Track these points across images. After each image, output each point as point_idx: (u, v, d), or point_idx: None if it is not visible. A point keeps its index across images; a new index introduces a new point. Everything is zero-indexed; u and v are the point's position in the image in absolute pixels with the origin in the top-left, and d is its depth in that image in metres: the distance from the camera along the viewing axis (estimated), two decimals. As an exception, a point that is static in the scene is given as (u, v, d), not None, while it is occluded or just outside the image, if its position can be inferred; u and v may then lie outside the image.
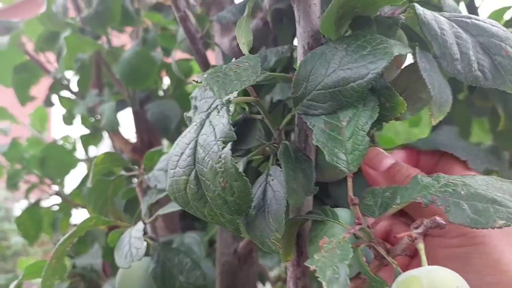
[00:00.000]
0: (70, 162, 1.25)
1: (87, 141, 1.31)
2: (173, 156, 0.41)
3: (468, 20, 0.40)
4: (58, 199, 1.32)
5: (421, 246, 0.34)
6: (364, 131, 0.38)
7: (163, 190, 0.64)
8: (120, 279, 0.60)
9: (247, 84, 0.38)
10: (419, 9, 0.40)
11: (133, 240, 0.55)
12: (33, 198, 1.28)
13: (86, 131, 1.34)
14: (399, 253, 0.36)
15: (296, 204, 0.39)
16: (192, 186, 0.39)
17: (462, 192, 0.35)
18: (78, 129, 1.46)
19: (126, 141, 1.22)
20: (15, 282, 0.62)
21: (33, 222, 1.24)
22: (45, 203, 1.28)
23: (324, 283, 0.30)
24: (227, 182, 0.36)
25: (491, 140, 0.80)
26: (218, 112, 0.39)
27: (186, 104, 1.23)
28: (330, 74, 0.39)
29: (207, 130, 0.39)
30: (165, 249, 0.60)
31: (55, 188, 1.28)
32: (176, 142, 0.42)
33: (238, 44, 0.73)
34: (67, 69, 0.99)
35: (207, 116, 0.40)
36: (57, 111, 1.49)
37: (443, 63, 0.38)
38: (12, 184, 1.28)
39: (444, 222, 0.33)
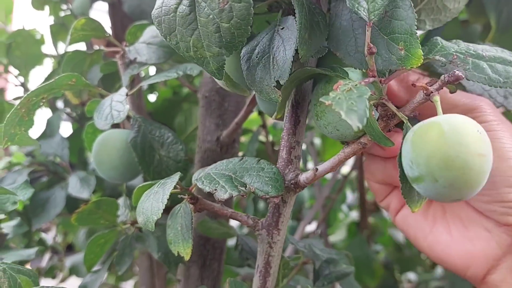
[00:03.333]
0: (37, 54, 1.17)
1: (56, 32, 1.22)
2: None
3: None
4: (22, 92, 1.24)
5: (436, 98, 0.33)
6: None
7: (144, 63, 0.60)
8: (97, 150, 0.57)
9: None
10: None
11: (115, 103, 0.52)
12: (-4, 86, 1.20)
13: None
14: (412, 110, 0.35)
15: (305, 56, 0.36)
16: (184, 7, 0.35)
17: (484, 54, 0.33)
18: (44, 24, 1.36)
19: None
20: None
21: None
22: (9, 95, 1.21)
23: (342, 114, 0.28)
24: (227, 1, 0.33)
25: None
26: None
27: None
28: None
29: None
30: (146, 122, 0.56)
31: (20, 80, 1.20)
32: None
33: None
34: None
35: None
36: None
37: None
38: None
39: (461, 75, 0.31)
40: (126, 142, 0.55)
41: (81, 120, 1.22)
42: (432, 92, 0.33)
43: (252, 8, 0.33)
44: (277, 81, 0.36)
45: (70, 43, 0.62)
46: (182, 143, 0.56)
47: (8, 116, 0.51)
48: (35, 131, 1.32)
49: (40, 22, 1.39)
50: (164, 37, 0.36)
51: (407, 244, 1.28)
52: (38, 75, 1.33)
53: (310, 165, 1.36)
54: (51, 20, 1.29)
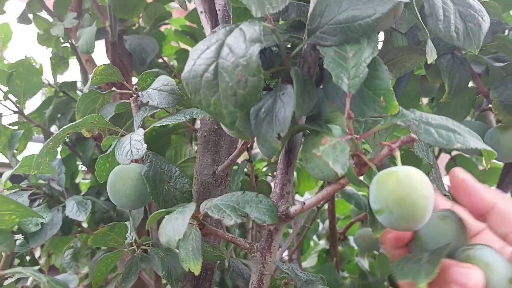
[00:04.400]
0: (37, 84, 1.24)
1: (56, 64, 1.30)
2: (197, 50, 0.47)
3: (453, -9, 0.50)
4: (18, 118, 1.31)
5: (397, 153, 0.44)
6: (366, 63, 0.46)
7: (155, 107, 0.70)
8: (113, 179, 0.66)
9: (277, 9, 0.45)
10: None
11: (134, 142, 0.61)
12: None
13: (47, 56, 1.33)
14: (379, 160, 0.46)
15: (299, 115, 0.47)
16: (209, 74, 0.45)
17: (432, 122, 0.45)
18: (40, 53, 1.44)
19: (99, 71, 1.24)
20: (9, 172, 0.65)
21: (-10, 136, 1.23)
22: (4, 121, 1.27)
23: (330, 162, 0.39)
24: (244, 75, 0.44)
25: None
26: (250, 22, 0.46)
27: (159, 44, 1.27)
28: (341, 12, 0.47)
29: (236, 34, 0.45)
30: (156, 157, 0.66)
31: (18, 107, 1.26)
32: (200, 42, 0.48)
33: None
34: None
35: (237, 26, 0.47)
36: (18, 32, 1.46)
37: (429, 21, 0.48)
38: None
39: (416, 137, 0.43)
40: (139, 174, 0.65)
41: (73, 146, 1.30)
42: (394, 149, 0.44)
43: (262, 81, 0.43)
44: (278, 134, 0.47)
45: (91, 86, 0.71)
46: (187, 177, 0.66)
47: (40, 150, 0.60)
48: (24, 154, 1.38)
49: (36, 50, 1.47)
50: (190, 94, 0.47)
51: (372, 271, 1.39)
52: (33, 102, 1.40)
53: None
54: (48, 51, 1.38)
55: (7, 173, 0.66)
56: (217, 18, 0.76)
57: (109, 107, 0.75)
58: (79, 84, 1.38)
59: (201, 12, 0.86)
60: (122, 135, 0.69)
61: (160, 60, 1.36)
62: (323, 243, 1.61)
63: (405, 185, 0.41)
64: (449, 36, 0.49)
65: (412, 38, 0.69)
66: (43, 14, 1.26)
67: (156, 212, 0.57)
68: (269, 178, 1.42)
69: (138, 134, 0.62)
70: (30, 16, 1.26)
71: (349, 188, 1.29)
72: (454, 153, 1.23)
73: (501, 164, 1.33)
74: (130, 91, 0.75)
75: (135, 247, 0.68)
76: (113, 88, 0.77)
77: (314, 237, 1.65)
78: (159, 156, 0.66)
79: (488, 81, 0.86)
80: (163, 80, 0.70)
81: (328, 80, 0.52)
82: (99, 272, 0.69)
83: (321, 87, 0.53)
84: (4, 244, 0.58)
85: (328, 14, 0.48)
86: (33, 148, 1.50)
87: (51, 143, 0.62)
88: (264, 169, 1.40)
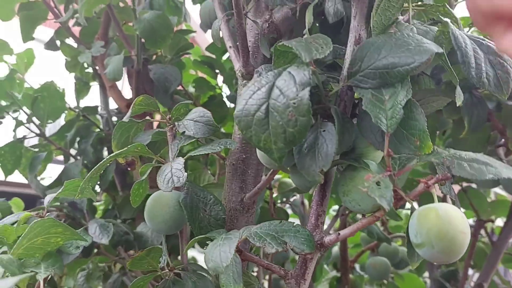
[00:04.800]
0: (61, 107, 1.28)
1: (80, 89, 1.35)
2: (248, 90, 0.51)
3: (482, 41, 0.55)
4: (39, 140, 1.35)
5: (433, 191, 0.48)
6: (401, 105, 0.51)
7: (191, 137, 0.74)
8: (151, 205, 0.69)
9: (323, 55, 0.50)
10: (451, 25, 0.54)
11: (174, 170, 0.64)
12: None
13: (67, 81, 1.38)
14: (414, 195, 0.50)
15: (339, 152, 0.51)
16: (260, 114, 0.49)
17: (465, 156, 0.49)
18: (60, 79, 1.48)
19: (122, 97, 1.28)
20: (52, 195, 0.68)
21: (13, 157, 1.27)
22: (27, 143, 1.31)
23: (376, 198, 0.42)
24: (294, 115, 0.48)
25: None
26: (298, 66, 0.50)
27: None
28: (381, 59, 0.52)
29: (286, 77, 0.50)
30: (192, 185, 0.70)
31: (40, 129, 1.30)
32: (250, 83, 0.53)
33: (268, 25, 0.84)
34: (87, 15, 1.04)
35: (285, 69, 0.51)
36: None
37: (462, 68, 0.53)
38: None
39: (450, 176, 0.47)
40: (176, 201, 0.68)
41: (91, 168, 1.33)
42: (430, 186, 0.48)
43: (311, 121, 0.47)
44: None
45: (131, 115, 0.75)
46: (221, 204, 0.69)
47: (86, 177, 0.63)
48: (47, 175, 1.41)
49: (58, 73, 1.52)
50: (241, 131, 0.51)
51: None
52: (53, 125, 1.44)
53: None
54: (64, 75, 1.42)
55: (50, 197, 0.69)
56: (249, 54, 0.81)
57: (144, 135, 0.79)
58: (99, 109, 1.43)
59: (230, 47, 0.91)
60: (159, 162, 0.73)
61: (179, 87, 1.41)
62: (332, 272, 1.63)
63: (445, 222, 0.44)
64: (481, 82, 0.53)
65: (434, 78, 0.74)
66: (69, 41, 1.31)
67: (195, 238, 0.61)
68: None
69: (179, 163, 0.65)
70: (57, 43, 1.31)
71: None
72: (464, 184, 1.27)
73: (508, 197, 1.37)
74: (164, 120, 0.79)
75: (167, 270, 0.71)
76: (147, 117, 0.81)
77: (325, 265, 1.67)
78: (194, 183, 0.70)
79: (500, 117, 0.91)
80: (199, 112, 0.74)
81: (363, 118, 0.56)
82: (132, 295, 0.72)
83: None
84: (56, 266, 0.61)
85: (368, 60, 0.52)
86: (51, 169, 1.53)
87: (94, 172, 0.65)
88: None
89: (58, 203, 1.18)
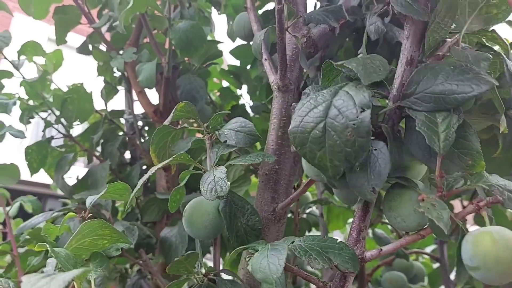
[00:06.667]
0: (89, 110, 1.30)
1: (108, 94, 1.37)
2: (304, 107, 0.53)
3: (531, 68, 0.56)
4: (64, 141, 1.37)
5: (484, 213, 0.49)
6: (454, 128, 0.52)
7: (232, 146, 0.75)
8: (191, 212, 0.70)
9: (381, 78, 0.51)
10: (502, 54, 0.55)
11: (217, 179, 0.66)
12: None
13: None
14: (463, 216, 0.51)
15: (391, 170, 0.52)
16: (317, 132, 0.51)
17: (514, 190, 0.50)
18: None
19: (149, 102, 1.30)
20: (93, 197, 0.70)
21: (40, 156, 1.28)
22: (54, 143, 1.32)
23: (434, 219, 0.44)
24: (353, 136, 0.49)
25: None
26: (356, 87, 0.52)
27: (205, 80, 1.34)
28: (438, 84, 0.53)
29: (344, 97, 0.51)
30: (231, 194, 0.71)
31: (67, 131, 1.32)
32: (305, 100, 0.54)
33: (306, 40, 0.86)
34: (125, 23, 1.06)
35: (340, 88, 0.53)
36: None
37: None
38: (23, 119, 1.31)
39: (501, 199, 0.48)
40: (215, 208, 0.69)
41: (119, 173, 1.35)
42: (481, 208, 0.49)
43: (370, 142, 0.49)
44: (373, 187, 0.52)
45: (172, 120, 0.76)
46: (258, 215, 0.71)
47: (137, 186, 0.65)
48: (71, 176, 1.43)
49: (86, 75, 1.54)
50: (296, 147, 0.52)
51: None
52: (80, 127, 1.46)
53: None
54: (100, 79, 1.44)
55: (91, 198, 0.71)
56: (286, 68, 0.82)
57: (183, 143, 0.81)
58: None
59: (265, 59, 0.93)
60: (195, 168, 0.75)
61: (204, 95, 1.43)
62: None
63: (501, 247, 0.46)
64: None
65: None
66: (101, 46, 1.33)
67: (237, 248, 0.62)
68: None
69: (221, 172, 0.67)
70: (89, 47, 1.33)
71: (380, 232, 1.33)
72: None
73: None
74: (202, 128, 0.81)
75: (202, 276, 0.72)
76: (185, 125, 0.83)
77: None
78: (233, 192, 0.71)
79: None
80: (241, 122, 0.76)
81: (411, 134, 0.57)
82: (165, 299, 0.73)
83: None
84: (103, 266, 0.62)
85: (425, 84, 0.54)
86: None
87: (143, 180, 0.67)
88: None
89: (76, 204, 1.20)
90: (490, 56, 0.56)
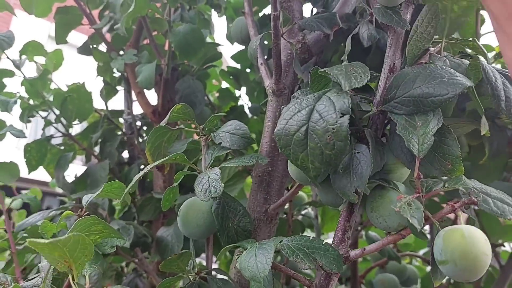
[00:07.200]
0: (89, 109, 1.33)
1: (107, 94, 1.40)
2: (289, 111, 0.56)
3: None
4: (63, 140, 1.39)
5: (459, 213, 0.51)
6: (432, 132, 0.54)
7: (225, 147, 0.77)
8: (185, 211, 0.73)
9: (361, 84, 0.54)
10: (482, 59, 0.58)
11: (212, 180, 0.68)
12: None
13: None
14: (440, 217, 0.53)
15: (373, 172, 0.55)
16: (300, 134, 0.53)
17: (491, 193, 0.53)
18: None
19: (148, 103, 1.33)
20: (90, 196, 0.72)
21: (39, 154, 1.31)
22: (53, 142, 1.35)
23: (408, 218, 0.46)
24: (332, 139, 0.52)
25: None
26: (337, 93, 0.54)
27: (203, 82, 1.36)
28: (416, 88, 0.56)
29: (326, 103, 0.54)
30: (225, 195, 0.73)
31: (67, 130, 1.35)
32: (291, 104, 0.57)
33: (301, 46, 0.88)
34: (126, 25, 1.09)
35: (323, 93, 0.55)
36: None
37: (492, 100, 0.56)
38: (24, 118, 1.33)
39: (476, 200, 0.50)
40: (209, 207, 0.72)
41: (117, 172, 1.37)
42: (456, 208, 0.52)
43: (348, 145, 0.51)
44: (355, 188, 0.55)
45: (168, 121, 0.79)
46: (250, 217, 0.73)
47: (133, 181, 0.67)
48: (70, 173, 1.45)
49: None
50: (280, 148, 0.55)
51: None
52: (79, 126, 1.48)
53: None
54: (99, 79, 1.47)
55: (87, 197, 0.73)
56: (281, 73, 0.85)
57: (179, 144, 0.83)
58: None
59: (261, 64, 0.95)
60: (190, 169, 0.77)
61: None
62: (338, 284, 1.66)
63: (469, 242, 0.48)
64: (510, 114, 0.57)
65: (458, 106, 0.78)
66: (101, 47, 1.36)
67: (226, 246, 0.65)
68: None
69: (215, 173, 0.69)
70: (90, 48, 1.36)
71: (373, 234, 1.35)
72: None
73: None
74: (198, 130, 0.83)
75: (194, 274, 0.74)
76: (181, 126, 0.85)
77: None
78: (227, 193, 0.74)
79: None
80: (235, 125, 0.78)
81: (394, 138, 0.60)
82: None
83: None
84: (98, 263, 0.64)
85: (404, 88, 0.56)
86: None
87: (138, 177, 0.69)
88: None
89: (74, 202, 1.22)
90: (467, 61, 0.58)
